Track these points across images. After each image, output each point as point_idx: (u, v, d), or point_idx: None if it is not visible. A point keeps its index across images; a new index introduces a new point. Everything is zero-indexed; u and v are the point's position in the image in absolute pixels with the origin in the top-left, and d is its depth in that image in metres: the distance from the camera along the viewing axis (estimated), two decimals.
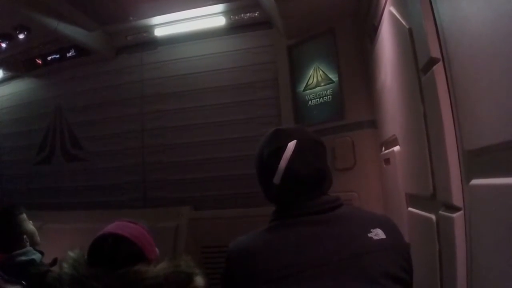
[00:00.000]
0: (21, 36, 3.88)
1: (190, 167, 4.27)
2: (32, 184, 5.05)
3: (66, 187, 4.84)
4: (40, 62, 4.81)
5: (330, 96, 3.48)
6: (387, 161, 2.54)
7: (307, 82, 3.67)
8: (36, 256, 2.05)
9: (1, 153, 5.42)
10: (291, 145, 1.12)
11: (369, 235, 1.03)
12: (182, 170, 4.30)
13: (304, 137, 1.15)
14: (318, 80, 3.58)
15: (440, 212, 1.39)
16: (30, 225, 2.18)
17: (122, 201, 4.47)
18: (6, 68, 5.04)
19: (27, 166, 5.12)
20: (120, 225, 1.33)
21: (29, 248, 2.06)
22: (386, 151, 2.58)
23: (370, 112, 3.14)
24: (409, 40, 1.61)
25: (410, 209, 1.96)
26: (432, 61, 1.34)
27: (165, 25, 4.28)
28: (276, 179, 1.09)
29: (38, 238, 2.20)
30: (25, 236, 2.08)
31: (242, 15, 4.07)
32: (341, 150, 3.25)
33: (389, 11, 2.04)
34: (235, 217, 3.73)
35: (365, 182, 3.11)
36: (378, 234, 1.04)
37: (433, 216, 1.50)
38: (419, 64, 1.53)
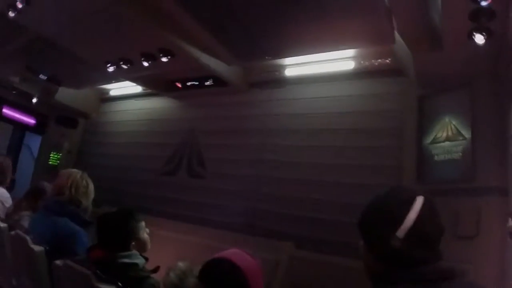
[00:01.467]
0: (164, 59, 4.25)
1: (299, 204, 4.29)
2: (153, 192, 5.58)
3: (183, 200, 5.26)
4: (179, 85, 5.37)
5: (460, 154, 3.21)
6: None
7: (436, 135, 3.44)
8: (140, 260, 2.09)
9: (132, 158, 6.11)
10: (420, 199, 1.06)
11: None
12: (291, 206, 4.34)
13: (428, 196, 1.09)
14: (448, 134, 3.34)
15: None
16: (144, 234, 2.23)
17: (229, 223, 4.69)
18: (146, 84, 5.67)
19: (152, 175, 5.71)
20: (238, 254, 1.40)
21: (134, 251, 2.11)
22: None
23: (502, 178, 2.80)
24: None
25: None
26: None
27: (296, 66, 4.51)
28: (400, 233, 1.02)
29: (148, 247, 2.24)
30: (133, 243, 2.13)
31: (373, 61, 4.04)
32: (465, 216, 2.95)
33: None
34: (338, 265, 3.56)
35: (484, 254, 2.77)
36: None
37: None
38: None
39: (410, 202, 1.05)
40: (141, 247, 2.21)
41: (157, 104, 6.07)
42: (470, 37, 2.58)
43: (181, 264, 1.39)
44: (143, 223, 2.27)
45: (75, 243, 2.46)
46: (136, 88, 6.13)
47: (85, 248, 2.30)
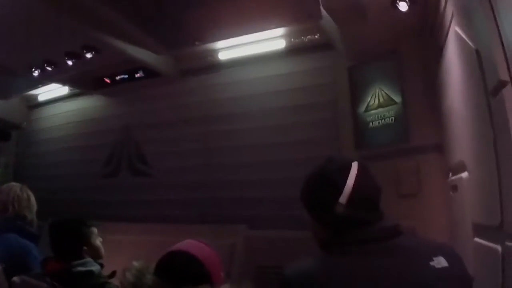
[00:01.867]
0: (89, 55, 4.07)
1: (247, 187, 4.33)
2: (98, 196, 5.33)
3: (130, 200, 5.09)
4: (108, 81, 5.10)
5: (393, 118, 3.37)
6: (454, 188, 2.40)
7: (368, 103, 3.59)
8: (95, 267, 2.05)
9: (69, 165, 5.79)
10: (355, 164, 1.11)
11: (431, 263, 0.99)
12: (240, 189, 4.37)
13: (361, 160, 1.15)
14: (380, 101, 3.49)
15: (507, 243, 1.31)
16: (96, 241, 2.19)
17: (182, 216, 4.62)
18: (74, 85, 5.38)
19: (93, 179, 5.46)
20: (193, 245, 1.37)
21: (88, 259, 2.07)
22: (454, 177, 2.45)
23: (436, 136, 2.98)
24: (476, 62, 1.54)
25: (476, 239, 1.84)
26: (501, 84, 1.27)
27: (228, 49, 4.45)
28: (342, 199, 1.06)
29: (102, 254, 2.21)
30: (85, 248, 2.10)
31: (303, 37, 4.11)
32: (405, 175, 3.13)
33: (454, 31, 1.97)
34: (292, 238, 3.67)
35: (430, 210, 2.95)
36: (440, 262, 1.00)
37: (499, 247, 1.41)
38: (487, 87, 1.46)
39: (347, 168, 1.10)
40: (95, 254, 2.16)
41: (88, 104, 5.76)
42: (394, 5, 2.69)
43: (136, 264, 1.33)
44: (95, 230, 2.22)
45: (27, 258, 2.40)
46: (64, 90, 5.79)
47: (38, 262, 2.24)
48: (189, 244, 1.38)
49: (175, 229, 4.27)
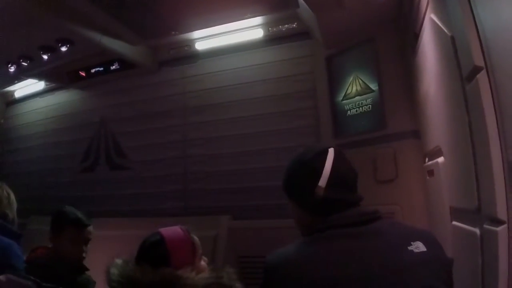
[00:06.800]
0: (64, 48, 4.02)
1: (230, 177, 4.33)
2: (76, 192, 5.25)
3: (109, 195, 5.02)
4: (83, 74, 5.01)
5: (370, 106, 3.41)
6: (430, 172, 2.45)
7: (346, 92, 3.62)
8: None
9: (47, 161, 5.68)
10: (331, 150, 1.14)
11: (410, 248, 1.01)
12: (222, 180, 4.37)
13: (337, 147, 1.18)
14: (357, 89, 3.53)
15: (485, 226, 1.34)
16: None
17: (164, 209, 4.59)
18: (49, 79, 5.27)
19: (72, 174, 5.37)
20: (169, 228, 1.39)
21: None
22: (430, 162, 2.50)
23: (412, 122, 3.03)
24: (452, 48, 1.56)
25: (454, 223, 1.88)
26: (476, 70, 1.30)
27: (205, 39, 4.40)
28: (322, 182, 1.09)
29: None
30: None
31: (280, 26, 4.10)
32: (382, 162, 3.17)
33: (430, 19, 1.99)
34: (274, 227, 3.70)
35: (407, 195, 3.00)
36: (418, 247, 1.02)
37: (477, 230, 1.44)
38: (462, 73, 1.48)
39: (324, 153, 1.14)
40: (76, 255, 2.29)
41: (64, 98, 5.65)
42: None
43: (118, 260, 1.32)
44: (90, 229, 2.38)
45: (10, 257, 2.29)
46: (39, 85, 5.66)
47: (21, 261, 2.22)
48: (167, 228, 1.40)
49: (157, 222, 4.22)
